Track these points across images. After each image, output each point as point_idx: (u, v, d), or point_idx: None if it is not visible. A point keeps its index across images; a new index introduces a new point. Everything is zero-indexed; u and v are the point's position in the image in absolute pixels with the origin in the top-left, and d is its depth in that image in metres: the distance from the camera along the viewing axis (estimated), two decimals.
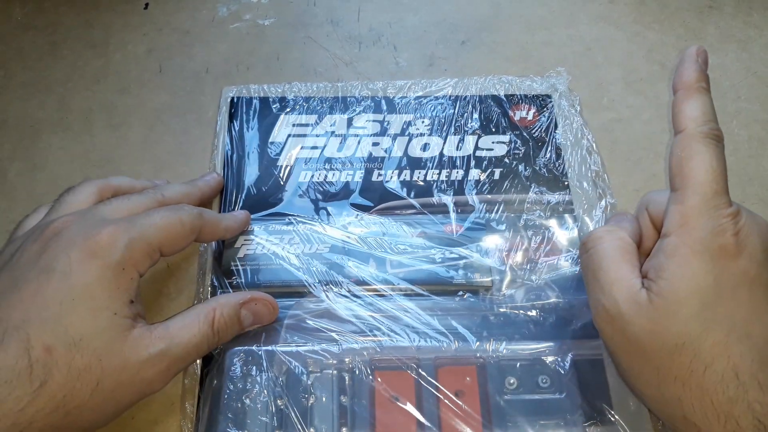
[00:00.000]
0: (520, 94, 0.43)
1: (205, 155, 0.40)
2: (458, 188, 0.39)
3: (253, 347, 0.32)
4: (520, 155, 0.40)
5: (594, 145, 0.40)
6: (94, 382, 0.25)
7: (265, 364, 0.32)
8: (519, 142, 0.40)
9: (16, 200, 0.39)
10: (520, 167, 0.39)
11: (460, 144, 0.40)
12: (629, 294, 0.27)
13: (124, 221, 0.28)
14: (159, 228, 0.28)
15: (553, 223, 0.37)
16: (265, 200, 0.38)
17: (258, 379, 0.31)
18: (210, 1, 0.49)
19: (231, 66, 0.45)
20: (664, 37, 0.47)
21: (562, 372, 0.32)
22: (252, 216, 0.37)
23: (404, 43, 0.46)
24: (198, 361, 0.32)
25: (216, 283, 0.35)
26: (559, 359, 0.32)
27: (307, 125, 0.41)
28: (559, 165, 0.39)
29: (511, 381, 0.31)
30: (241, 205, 0.38)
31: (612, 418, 0.30)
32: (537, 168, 0.39)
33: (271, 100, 0.42)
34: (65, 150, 0.41)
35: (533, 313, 0.34)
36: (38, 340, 0.24)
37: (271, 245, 0.36)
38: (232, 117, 0.41)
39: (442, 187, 0.39)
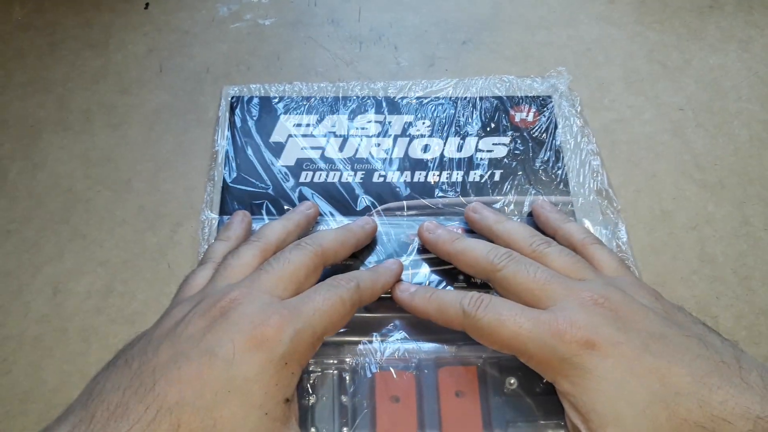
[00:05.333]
0: (521, 95, 0.43)
1: (206, 155, 0.40)
2: (459, 190, 0.39)
3: None
4: (521, 157, 0.40)
5: (594, 146, 0.40)
6: None
7: None
8: (519, 143, 0.40)
9: (16, 200, 0.39)
10: (520, 169, 0.39)
11: (461, 145, 0.40)
12: None
13: (290, 309, 0.27)
14: (323, 313, 0.27)
15: None
16: (265, 200, 0.38)
17: None
18: (210, 1, 0.49)
19: (231, 66, 0.45)
20: (665, 37, 0.47)
21: None
22: (252, 216, 0.37)
23: (405, 43, 0.46)
24: None
25: None
26: None
27: (308, 125, 0.41)
28: (559, 167, 0.39)
29: (512, 381, 0.31)
30: (238, 205, 0.38)
31: None
32: (537, 170, 0.39)
33: (272, 99, 0.42)
34: (65, 149, 0.41)
35: None
36: (187, 427, 0.23)
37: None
38: (232, 116, 0.41)
39: (444, 188, 0.39)
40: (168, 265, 0.36)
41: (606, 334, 0.26)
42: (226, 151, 0.40)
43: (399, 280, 0.33)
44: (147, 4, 0.48)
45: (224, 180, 0.39)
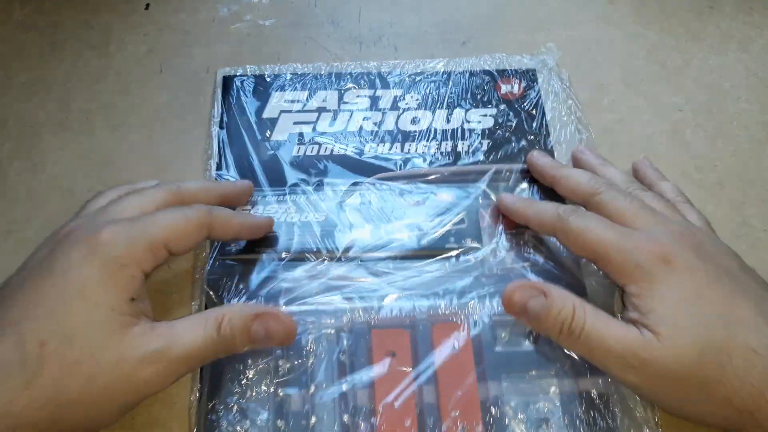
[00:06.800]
0: (510, 69, 0.44)
1: (205, 155, 0.40)
2: (449, 160, 0.40)
3: None
4: (509, 128, 0.41)
5: (582, 116, 0.41)
6: (86, 376, 0.25)
7: None
8: (508, 115, 0.42)
9: (16, 200, 0.39)
10: (509, 140, 0.41)
11: (449, 117, 0.41)
12: (638, 342, 0.27)
13: (127, 220, 0.28)
14: (162, 226, 0.28)
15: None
16: (259, 175, 0.39)
17: None
18: (210, 2, 0.49)
19: (231, 66, 0.45)
20: (664, 38, 0.47)
21: None
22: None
23: (405, 43, 0.47)
24: None
25: (214, 256, 0.35)
26: None
27: (299, 101, 0.42)
28: (548, 138, 0.41)
29: (503, 335, 0.33)
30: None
31: None
32: (525, 141, 0.40)
33: (265, 76, 0.43)
34: (65, 150, 0.41)
35: (525, 264, 0.35)
36: (32, 335, 0.25)
37: (268, 215, 0.37)
38: (226, 94, 0.42)
39: (434, 159, 0.40)
40: (168, 265, 0.36)
41: (685, 257, 0.28)
42: (220, 129, 0.41)
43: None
44: (147, 5, 0.48)
45: (218, 167, 0.39)
